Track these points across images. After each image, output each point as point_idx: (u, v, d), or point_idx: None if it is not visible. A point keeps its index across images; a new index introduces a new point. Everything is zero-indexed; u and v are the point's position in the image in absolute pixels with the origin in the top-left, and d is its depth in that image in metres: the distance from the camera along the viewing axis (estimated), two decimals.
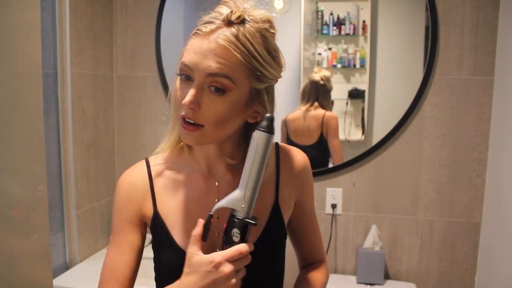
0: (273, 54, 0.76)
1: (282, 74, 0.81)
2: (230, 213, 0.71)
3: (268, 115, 0.72)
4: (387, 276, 1.98)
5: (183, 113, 0.74)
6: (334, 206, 1.98)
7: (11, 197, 0.70)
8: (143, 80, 2.16)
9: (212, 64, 0.71)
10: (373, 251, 1.88)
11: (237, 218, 0.70)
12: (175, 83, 0.78)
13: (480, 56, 1.78)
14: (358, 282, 1.89)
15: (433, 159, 1.89)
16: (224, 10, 0.74)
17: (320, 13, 1.97)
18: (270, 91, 0.79)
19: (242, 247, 0.71)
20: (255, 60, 0.73)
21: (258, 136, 0.71)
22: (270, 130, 0.71)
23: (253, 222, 0.71)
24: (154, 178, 0.87)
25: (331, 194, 1.97)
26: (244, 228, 0.71)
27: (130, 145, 2.22)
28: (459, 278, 1.91)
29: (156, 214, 0.85)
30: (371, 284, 1.88)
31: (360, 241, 1.98)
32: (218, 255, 0.70)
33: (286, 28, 2.00)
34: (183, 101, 0.72)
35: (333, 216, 1.99)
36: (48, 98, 1.85)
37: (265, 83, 0.76)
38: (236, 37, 0.72)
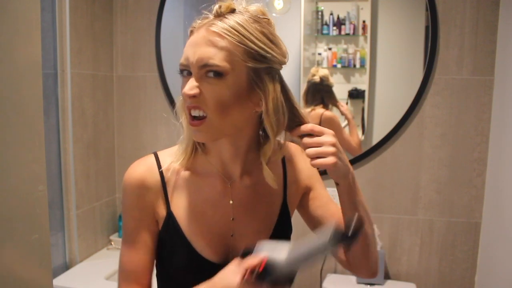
0: (269, 36, 0.75)
1: (285, 60, 0.79)
2: (267, 264, 0.70)
3: (350, 233, 0.67)
4: (387, 276, 1.98)
5: (187, 105, 0.75)
6: None
7: (11, 197, 0.70)
8: (143, 80, 2.16)
9: (202, 54, 0.72)
10: None
11: (274, 275, 0.70)
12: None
13: (480, 56, 1.78)
14: (358, 282, 1.89)
15: (433, 159, 1.89)
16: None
17: (320, 13, 1.97)
18: (274, 76, 0.77)
19: None
20: (247, 39, 0.72)
21: (323, 241, 0.68)
22: (331, 242, 0.67)
23: (292, 280, 0.72)
24: (166, 176, 0.84)
25: (331, 194, 1.96)
26: (275, 283, 0.71)
27: (130, 145, 2.22)
28: (459, 278, 1.91)
29: (169, 215, 0.82)
30: (371, 284, 1.88)
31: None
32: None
33: (286, 28, 2.00)
34: (183, 91, 0.74)
35: None
36: (48, 98, 1.85)
37: (263, 62, 0.74)
38: (226, 22, 0.73)
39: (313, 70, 1.97)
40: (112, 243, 2.17)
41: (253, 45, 0.73)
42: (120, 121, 2.22)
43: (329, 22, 1.97)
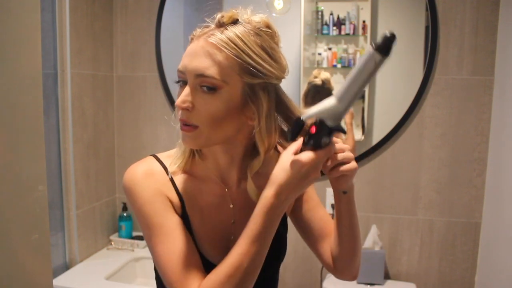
0: (268, 51, 0.74)
1: (284, 75, 0.78)
2: (319, 119, 0.69)
3: (388, 33, 0.63)
4: (387, 276, 1.98)
5: (179, 116, 0.75)
6: (334, 206, 1.97)
7: (11, 197, 0.70)
8: (143, 80, 2.16)
9: (199, 64, 0.72)
10: (373, 251, 1.88)
11: (328, 126, 0.69)
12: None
13: (480, 56, 1.78)
14: (358, 282, 1.89)
15: (433, 159, 1.89)
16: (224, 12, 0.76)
17: (320, 13, 1.97)
18: (270, 91, 0.76)
19: (333, 149, 0.72)
20: (245, 54, 0.72)
21: (368, 53, 0.64)
22: (381, 50, 0.63)
23: (344, 131, 0.71)
24: (174, 177, 0.82)
25: (331, 194, 1.96)
26: (331, 135, 0.70)
27: (130, 145, 2.22)
28: (459, 278, 1.91)
29: (185, 216, 0.81)
30: (371, 284, 1.88)
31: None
32: (313, 157, 0.70)
33: (286, 28, 2.00)
34: (176, 103, 0.74)
35: (333, 216, 1.99)
36: (48, 98, 1.85)
37: (258, 78, 0.73)
38: (226, 34, 0.72)
39: (315, 72, 1.96)
40: (112, 243, 2.17)
41: (250, 60, 0.72)
42: (120, 121, 2.22)
43: (329, 22, 1.97)
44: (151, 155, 0.85)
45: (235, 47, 0.72)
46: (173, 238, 0.76)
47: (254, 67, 0.73)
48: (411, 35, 1.92)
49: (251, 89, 0.74)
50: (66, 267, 1.96)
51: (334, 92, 0.68)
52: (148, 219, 0.77)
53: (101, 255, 2.08)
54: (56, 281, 1.77)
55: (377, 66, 0.64)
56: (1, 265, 0.68)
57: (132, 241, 2.14)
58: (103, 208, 2.16)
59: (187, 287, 0.73)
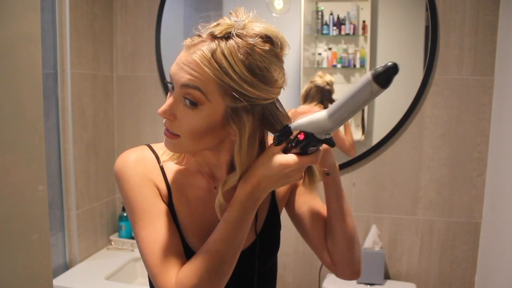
0: (256, 72, 0.69)
1: (275, 96, 0.74)
2: (309, 132, 0.70)
3: (391, 64, 0.60)
4: (387, 276, 1.98)
5: (163, 122, 0.76)
6: None
7: (11, 197, 0.70)
8: (143, 80, 2.16)
9: (185, 75, 0.70)
10: (373, 251, 1.88)
11: (317, 138, 0.70)
12: None
13: (480, 56, 1.78)
14: (358, 282, 1.89)
15: (433, 159, 1.89)
16: (221, 22, 0.72)
17: (320, 13, 1.97)
18: (255, 111, 0.72)
19: (318, 158, 0.73)
20: (228, 77, 0.68)
21: (366, 80, 0.61)
22: (381, 81, 0.60)
23: (333, 144, 0.72)
24: (164, 167, 0.84)
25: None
26: (318, 145, 0.72)
27: (130, 145, 2.20)
28: (459, 278, 1.91)
29: (171, 206, 0.82)
30: (371, 284, 1.88)
31: (360, 241, 1.98)
32: (297, 161, 0.71)
33: (286, 28, 2.00)
34: (158, 110, 0.74)
35: None
36: (48, 98, 1.85)
37: (241, 102, 0.70)
38: (212, 53, 0.69)
39: (320, 73, 1.97)
40: (112, 243, 2.17)
41: (233, 84, 0.69)
42: (120, 121, 2.22)
43: (329, 22, 1.97)
44: (145, 144, 0.87)
45: (218, 68, 0.68)
46: (156, 224, 0.77)
47: (236, 91, 0.69)
48: (411, 35, 1.92)
49: (234, 111, 0.71)
50: (66, 267, 1.96)
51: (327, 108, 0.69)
52: (134, 204, 0.78)
53: (101, 255, 2.08)
54: (56, 281, 1.77)
55: (373, 95, 0.62)
56: (1, 265, 0.68)
57: (132, 241, 2.14)
58: (103, 208, 2.16)
59: (166, 273, 0.73)
